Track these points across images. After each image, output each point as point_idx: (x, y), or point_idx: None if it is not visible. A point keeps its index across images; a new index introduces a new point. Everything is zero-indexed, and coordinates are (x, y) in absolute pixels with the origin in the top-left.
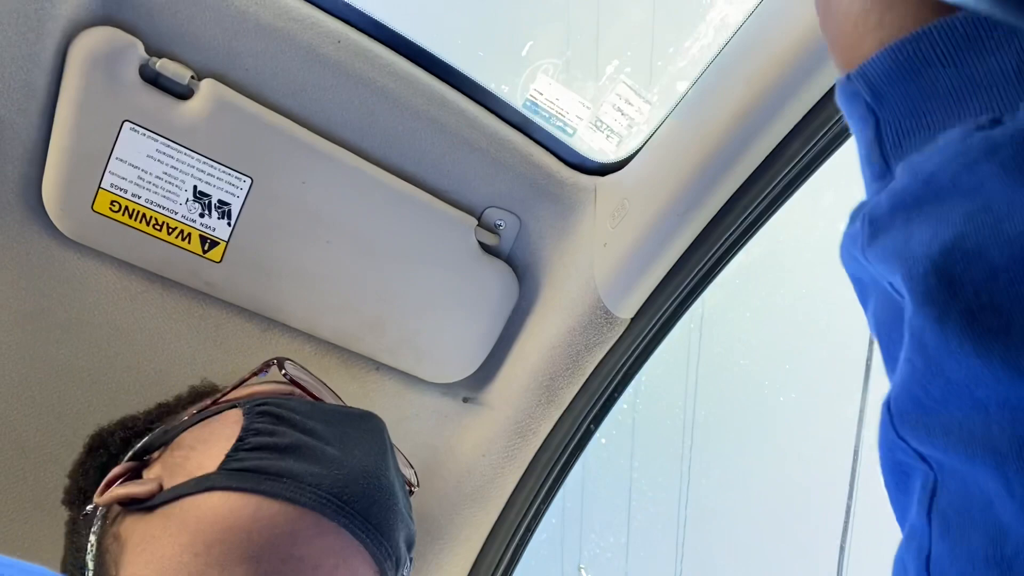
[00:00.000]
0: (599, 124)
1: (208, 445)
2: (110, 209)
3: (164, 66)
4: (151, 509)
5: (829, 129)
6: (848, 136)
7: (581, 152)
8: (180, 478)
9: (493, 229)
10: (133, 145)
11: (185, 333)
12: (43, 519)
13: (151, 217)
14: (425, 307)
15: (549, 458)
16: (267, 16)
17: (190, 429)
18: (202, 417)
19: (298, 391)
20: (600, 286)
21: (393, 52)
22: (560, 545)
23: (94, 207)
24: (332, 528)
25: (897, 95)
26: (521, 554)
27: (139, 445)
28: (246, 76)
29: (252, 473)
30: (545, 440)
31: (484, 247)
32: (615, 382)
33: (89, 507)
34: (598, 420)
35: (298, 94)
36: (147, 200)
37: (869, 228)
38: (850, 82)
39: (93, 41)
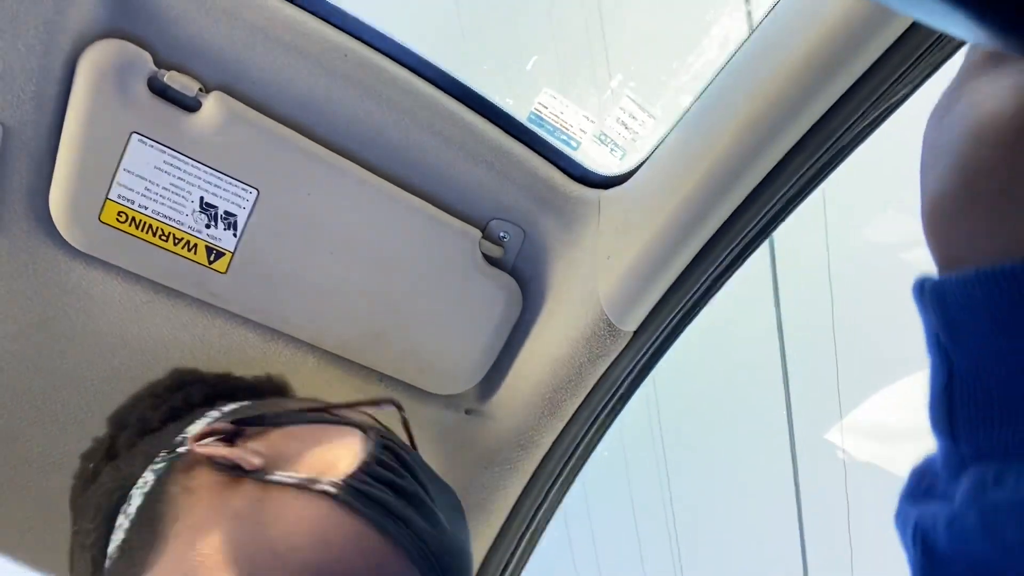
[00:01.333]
0: (603, 138)
1: (330, 452)
2: (117, 220)
3: (173, 78)
4: (241, 480)
5: (832, 144)
6: (850, 151)
7: (585, 165)
8: (291, 469)
9: (497, 241)
10: (141, 156)
11: (189, 343)
12: (46, 528)
13: (157, 228)
14: (428, 318)
15: (552, 470)
16: (275, 30)
17: (306, 425)
18: (318, 419)
19: (406, 437)
20: (603, 299)
21: (399, 66)
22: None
23: (101, 218)
24: None
25: (980, 349)
26: (523, 566)
27: (247, 412)
28: (254, 88)
29: (377, 504)
30: (548, 452)
31: (488, 259)
32: (618, 394)
33: (181, 449)
34: (601, 432)
35: (305, 106)
36: (154, 211)
37: (922, 555)
38: (925, 298)
39: (102, 54)
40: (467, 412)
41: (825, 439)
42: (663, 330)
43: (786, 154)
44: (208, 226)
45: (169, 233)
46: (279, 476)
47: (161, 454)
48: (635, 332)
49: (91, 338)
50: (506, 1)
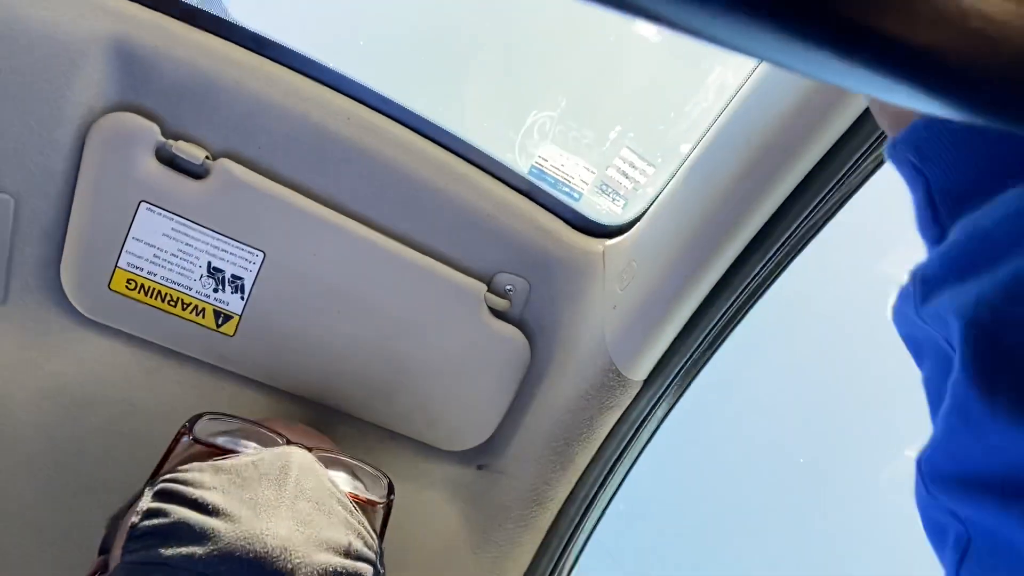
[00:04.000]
0: (604, 188)
1: (123, 533)
2: (126, 287)
3: (180, 148)
4: None
5: (834, 187)
6: (853, 193)
7: (588, 216)
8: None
9: (503, 294)
10: (149, 224)
11: (199, 406)
12: None
13: (166, 294)
14: (437, 375)
15: (568, 525)
16: (279, 96)
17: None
18: (133, 501)
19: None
20: (611, 348)
21: (401, 126)
22: None
23: (111, 286)
24: None
25: (946, 155)
26: None
27: (103, 536)
28: (259, 154)
29: (139, 566)
30: (562, 507)
31: (495, 312)
32: (630, 445)
33: None
34: (615, 486)
35: (310, 169)
36: (162, 277)
37: (921, 287)
38: (896, 149)
39: (111, 126)
40: (479, 468)
41: None
42: (673, 378)
43: (787, 198)
44: (216, 290)
45: (177, 298)
46: None
47: None
48: (645, 381)
49: (101, 405)
50: (503, 58)
